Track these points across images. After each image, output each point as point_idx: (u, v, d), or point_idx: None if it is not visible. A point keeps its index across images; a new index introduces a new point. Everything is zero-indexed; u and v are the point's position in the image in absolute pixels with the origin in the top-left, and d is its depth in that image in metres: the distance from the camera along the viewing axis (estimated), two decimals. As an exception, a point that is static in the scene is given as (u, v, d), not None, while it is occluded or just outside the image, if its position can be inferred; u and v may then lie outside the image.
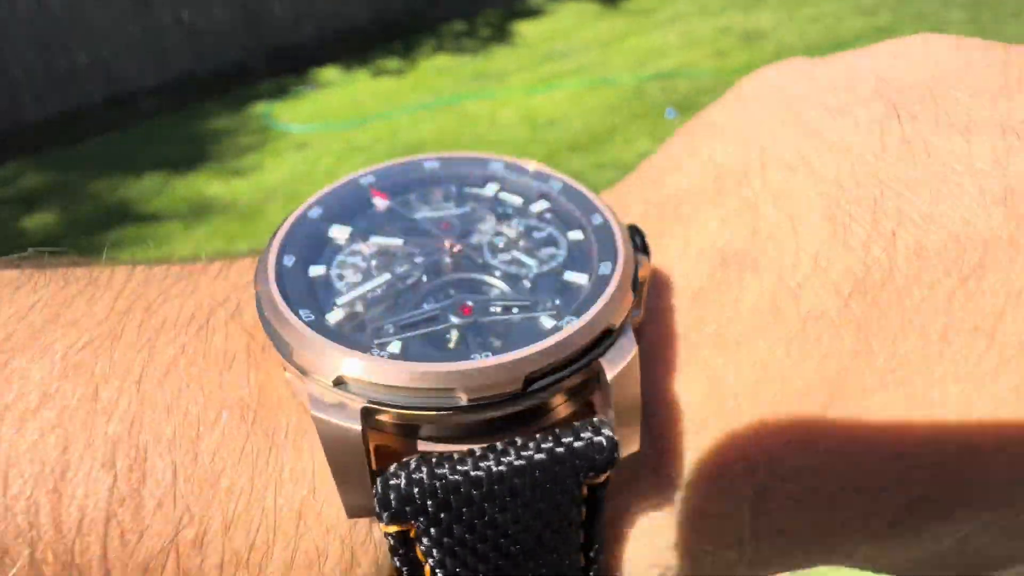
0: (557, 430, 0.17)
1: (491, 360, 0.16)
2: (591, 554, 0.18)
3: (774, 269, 0.18)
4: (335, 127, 3.59)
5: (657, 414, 0.18)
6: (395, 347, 0.17)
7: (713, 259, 0.19)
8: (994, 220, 0.16)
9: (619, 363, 0.17)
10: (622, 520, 0.19)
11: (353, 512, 0.16)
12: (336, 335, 0.16)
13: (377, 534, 0.17)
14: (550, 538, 0.17)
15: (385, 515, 0.15)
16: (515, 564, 0.16)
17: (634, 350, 0.17)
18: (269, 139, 3.55)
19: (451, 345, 0.17)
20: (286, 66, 4.83)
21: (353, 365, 0.15)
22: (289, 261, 0.19)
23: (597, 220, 0.21)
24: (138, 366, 0.17)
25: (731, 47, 4.33)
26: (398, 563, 0.16)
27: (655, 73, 3.91)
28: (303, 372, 0.16)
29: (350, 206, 0.21)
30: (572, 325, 0.17)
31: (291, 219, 0.21)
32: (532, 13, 5.62)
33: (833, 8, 5.08)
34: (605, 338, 0.17)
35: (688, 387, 0.18)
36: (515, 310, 0.18)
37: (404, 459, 0.16)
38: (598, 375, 0.17)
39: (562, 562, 0.17)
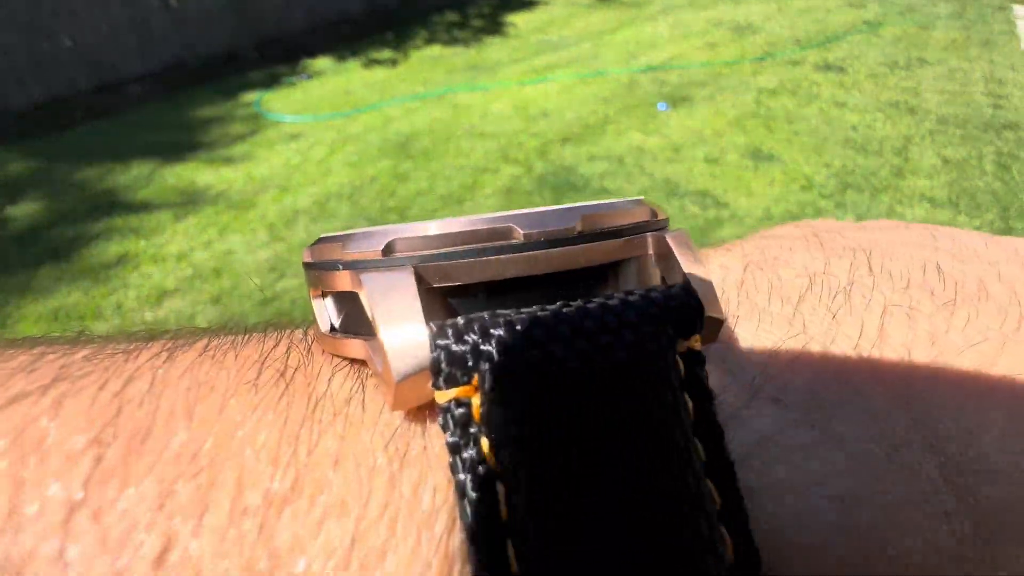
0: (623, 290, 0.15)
1: (545, 208, 0.14)
2: (723, 483, 0.13)
3: None
4: (326, 117, 3.57)
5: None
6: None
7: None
8: None
9: (678, 236, 0.15)
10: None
11: (403, 388, 0.12)
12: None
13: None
14: (657, 444, 0.12)
15: (443, 370, 0.12)
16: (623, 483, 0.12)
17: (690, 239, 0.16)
18: (260, 128, 3.52)
19: None
20: (276, 55, 4.78)
21: (398, 232, 0.14)
22: None
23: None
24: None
25: (722, 39, 4.35)
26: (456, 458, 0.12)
27: (647, 65, 3.92)
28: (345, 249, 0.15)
29: None
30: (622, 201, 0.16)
31: None
32: (525, 4, 5.60)
33: (822, 0, 5.11)
34: (656, 222, 0.16)
35: None
36: None
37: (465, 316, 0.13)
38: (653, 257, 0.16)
39: (682, 506, 0.12)
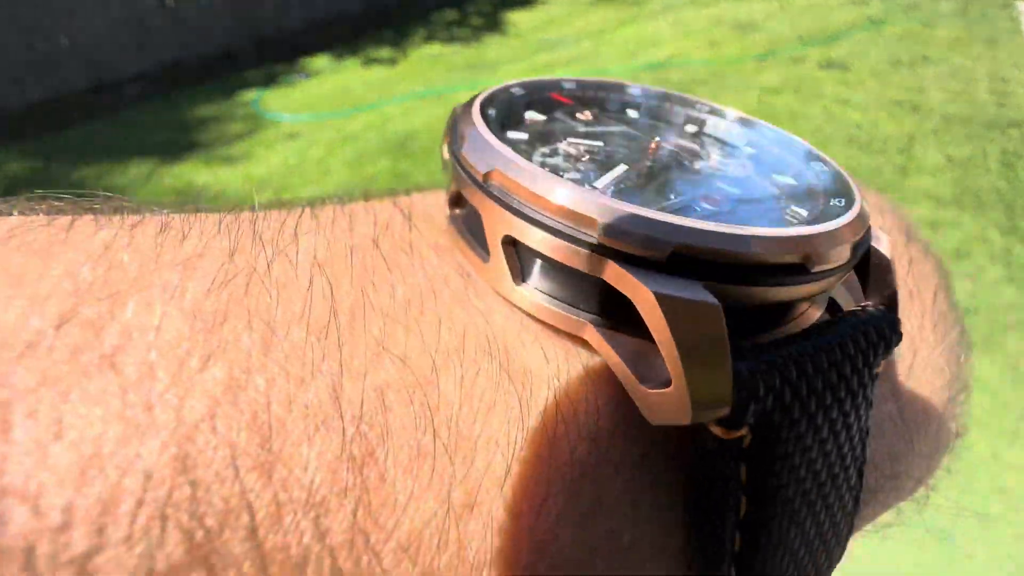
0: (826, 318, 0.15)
1: (827, 225, 0.14)
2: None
3: None
4: (325, 116, 3.55)
5: None
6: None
7: None
8: None
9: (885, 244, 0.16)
10: None
11: (699, 408, 0.11)
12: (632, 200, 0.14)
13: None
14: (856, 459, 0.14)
15: (752, 408, 0.12)
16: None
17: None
18: (259, 128, 3.50)
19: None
20: (274, 54, 4.76)
21: (688, 236, 0.13)
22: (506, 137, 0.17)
23: (819, 167, 0.18)
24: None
25: (723, 37, 4.33)
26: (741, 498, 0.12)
27: (648, 63, 3.90)
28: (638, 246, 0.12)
29: (547, 99, 0.19)
30: (853, 207, 0.15)
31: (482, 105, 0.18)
32: (524, 2, 5.58)
33: (825, -1, 5.08)
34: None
35: None
36: (761, 203, 0.16)
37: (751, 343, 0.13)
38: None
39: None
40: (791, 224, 0.15)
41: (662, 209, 0.13)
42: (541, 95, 0.20)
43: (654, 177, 0.16)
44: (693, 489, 0.13)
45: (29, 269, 0.13)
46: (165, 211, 0.16)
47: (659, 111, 0.21)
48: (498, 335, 0.14)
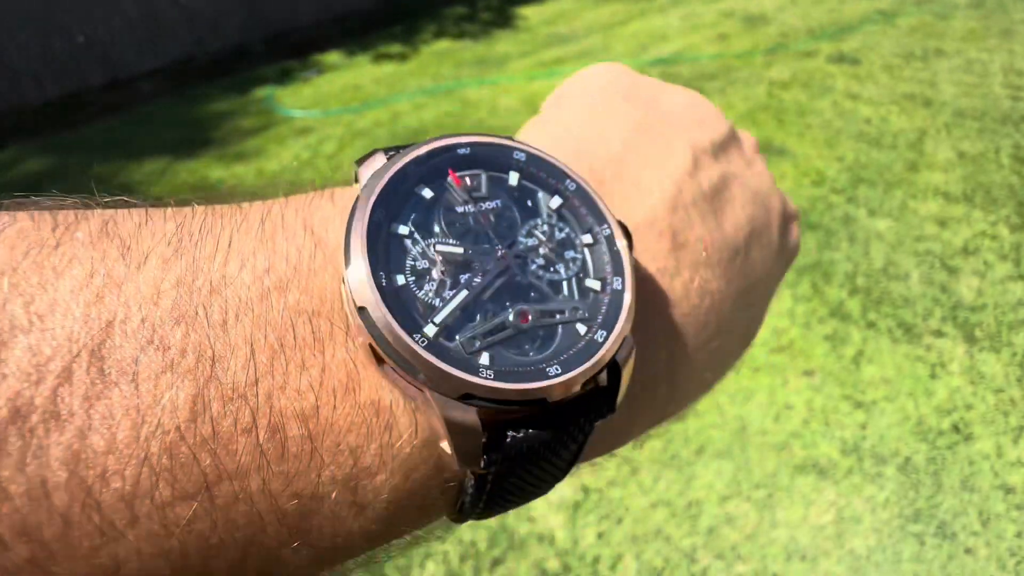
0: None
1: (565, 376, 0.21)
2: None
3: None
4: (336, 112, 3.59)
5: None
6: (485, 359, 0.21)
7: None
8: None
9: (629, 360, 0.22)
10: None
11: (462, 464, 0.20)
12: (448, 357, 0.20)
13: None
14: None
15: (494, 465, 0.21)
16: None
17: (633, 352, 0.23)
18: (271, 124, 3.54)
19: (524, 355, 0.22)
20: (286, 50, 4.79)
21: (473, 388, 0.20)
22: (381, 277, 0.20)
23: (605, 231, 0.24)
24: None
25: (733, 31, 4.30)
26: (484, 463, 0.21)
27: (657, 58, 3.89)
28: (428, 386, 0.20)
29: (401, 197, 0.22)
30: (607, 341, 0.22)
31: (362, 221, 0.21)
32: (534, -5, 5.56)
33: (838, -9, 5.01)
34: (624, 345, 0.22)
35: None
36: (557, 316, 0.22)
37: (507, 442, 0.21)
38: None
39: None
40: (584, 357, 0.22)
41: (473, 353, 0.20)
42: (436, 169, 0.23)
43: (486, 309, 0.22)
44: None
45: None
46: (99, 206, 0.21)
47: (531, 185, 0.24)
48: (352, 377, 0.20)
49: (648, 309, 0.25)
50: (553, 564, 1.37)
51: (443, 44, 4.66)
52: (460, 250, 0.22)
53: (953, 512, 1.40)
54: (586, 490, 1.50)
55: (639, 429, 0.27)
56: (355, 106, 3.63)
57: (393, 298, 0.20)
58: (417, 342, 0.19)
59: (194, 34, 4.91)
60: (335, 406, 0.19)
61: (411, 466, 0.20)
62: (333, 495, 0.19)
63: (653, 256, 0.25)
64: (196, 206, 0.21)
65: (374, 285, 0.20)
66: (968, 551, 1.34)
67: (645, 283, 0.25)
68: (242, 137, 3.42)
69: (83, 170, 3.16)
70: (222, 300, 0.19)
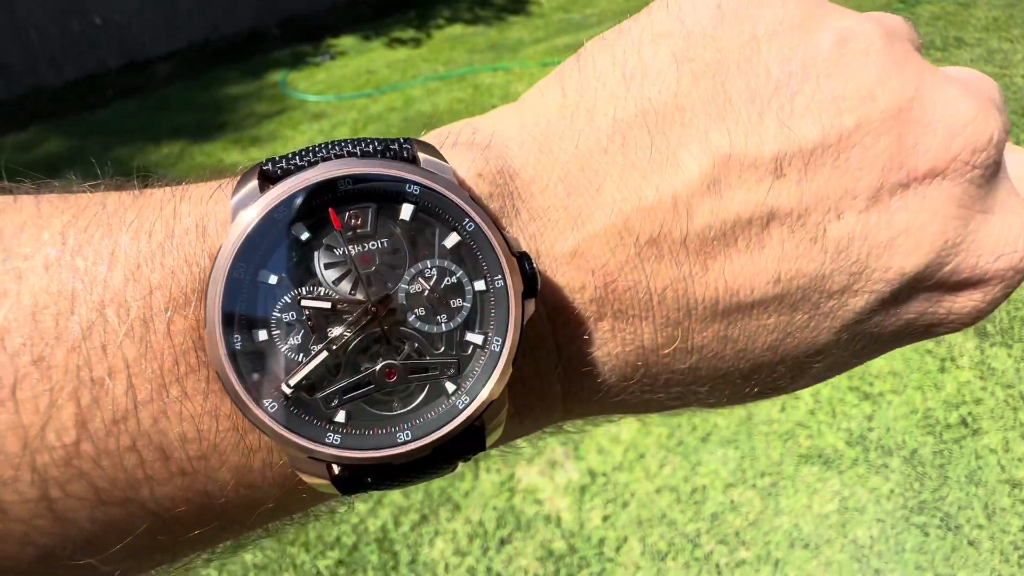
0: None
1: (413, 444, 0.21)
2: None
3: None
4: (349, 97, 3.59)
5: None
6: (341, 416, 0.21)
7: None
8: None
9: (498, 422, 0.22)
10: None
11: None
12: (296, 421, 0.20)
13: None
14: None
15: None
16: None
17: (505, 409, 0.22)
18: (285, 108, 3.56)
19: (385, 410, 0.21)
20: (300, 34, 4.79)
21: (314, 451, 0.20)
22: (236, 341, 0.20)
23: (499, 283, 0.21)
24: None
25: (752, 19, 4.23)
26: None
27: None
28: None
29: (272, 241, 0.21)
30: (468, 407, 0.21)
31: (223, 271, 0.20)
32: (549, -20, 5.50)
33: (860, -21, 4.90)
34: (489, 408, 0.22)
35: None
36: (427, 371, 0.22)
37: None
38: None
39: None
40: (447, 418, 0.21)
41: (331, 409, 0.21)
42: (315, 208, 0.21)
43: (354, 363, 0.21)
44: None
45: None
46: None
47: (428, 219, 0.22)
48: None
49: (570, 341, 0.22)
50: (559, 545, 1.40)
51: (456, 29, 4.64)
52: (327, 304, 0.21)
53: (958, 505, 1.41)
54: (592, 474, 1.53)
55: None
56: (368, 91, 3.63)
57: (248, 359, 0.20)
58: (265, 408, 0.20)
59: (209, 18, 4.92)
60: (219, 429, 0.19)
61: (291, 482, 0.21)
62: (222, 500, 0.20)
63: (604, 277, 0.21)
64: (92, 192, 0.21)
65: (226, 352, 0.19)
66: (972, 543, 1.35)
67: (569, 321, 0.22)
68: (257, 121, 3.44)
69: (103, 152, 3.20)
70: (103, 321, 0.18)
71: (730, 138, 0.21)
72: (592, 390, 0.23)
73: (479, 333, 0.22)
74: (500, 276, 0.21)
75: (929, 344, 1.79)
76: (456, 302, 0.22)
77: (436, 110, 3.32)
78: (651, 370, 0.22)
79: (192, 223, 0.20)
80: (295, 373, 0.20)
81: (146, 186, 0.22)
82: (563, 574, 1.35)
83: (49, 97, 4.16)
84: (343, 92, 3.66)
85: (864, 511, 1.41)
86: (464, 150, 0.23)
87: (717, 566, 1.34)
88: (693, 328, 0.21)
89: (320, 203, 0.21)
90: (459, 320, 0.22)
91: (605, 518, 1.44)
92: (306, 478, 0.20)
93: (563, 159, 0.22)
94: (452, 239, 0.22)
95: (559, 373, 0.23)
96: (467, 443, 0.22)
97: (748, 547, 1.37)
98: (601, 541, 1.40)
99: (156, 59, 4.67)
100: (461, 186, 0.22)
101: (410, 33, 4.63)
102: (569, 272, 0.21)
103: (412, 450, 0.21)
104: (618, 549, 1.38)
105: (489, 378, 0.21)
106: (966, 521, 1.38)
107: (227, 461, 0.20)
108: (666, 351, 0.22)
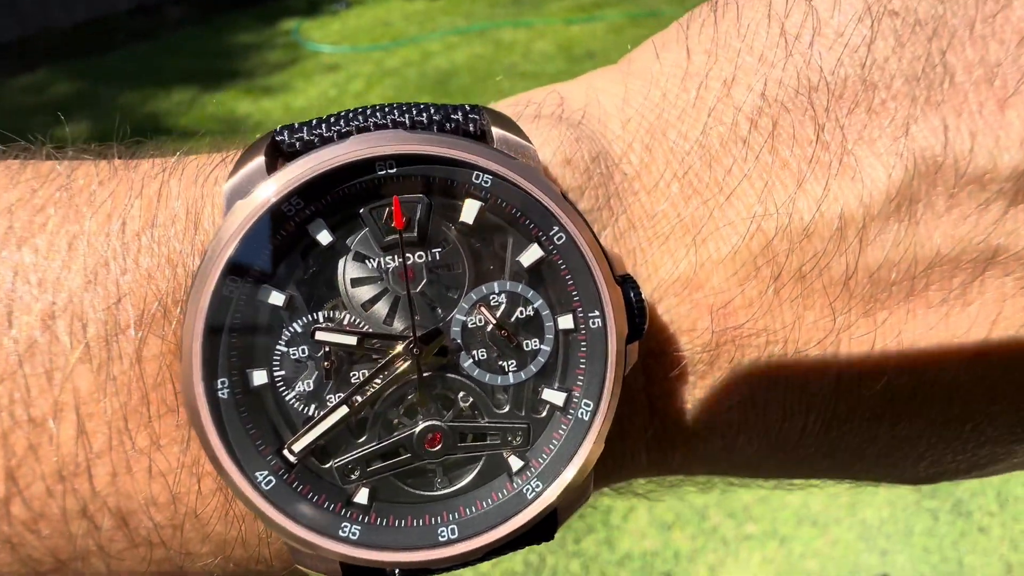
0: None
1: (459, 548, 0.15)
2: None
3: None
4: (365, 49, 3.49)
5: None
6: (363, 496, 0.15)
7: None
8: None
9: (572, 514, 0.16)
10: None
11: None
12: (298, 506, 0.14)
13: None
14: None
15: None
16: None
17: (587, 498, 0.17)
18: (298, 58, 3.46)
19: (425, 489, 0.15)
20: (315, -20, 4.62)
21: (322, 549, 0.15)
22: (221, 386, 0.14)
23: (595, 321, 0.15)
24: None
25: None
26: None
27: (703, 3, 3.68)
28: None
29: (282, 243, 0.15)
30: (539, 497, 0.15)
31: (209, 285, 0.14)
32: (575, -68, 5.24)
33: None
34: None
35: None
36: (485, 439, 0.15)
37: None
38: None
39: None
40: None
41: (350, 484, 0.15)
42: (344, 199, 0.15)
43: (385, 421, 0.15)
44: None
45: None
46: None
47: (499, 222, 0.16)
48: None
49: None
50: (566, 511, 1.41)
51: (477, -19, 4.46)
52: (352, 340, 0.15)
53: (971, 492, 1.40)
54: (602, 444, 1.53)
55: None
56: (384, 43, 3.52)
57: (237, 410, 0.14)
58: (257, 483, 0.14)
59: (222, -41, 4.75)
60: (200, 491, 0.14)
61: (293, 563, 0.17)
62: (199, 564, 0.16)
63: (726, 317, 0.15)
64: (60, 161, 0.15)
65: (206, 399, 0.14)
66: (982, 530, 1.34)
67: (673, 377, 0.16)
68: (269, 71, 3.35)
69: (112, 96, 3.15)
70: (50, 339, 0.13)
71: (946, 136, 0.13)
72: (685, 459, 0.17)
73: (560, 390, 0.16)
74: (597, 312, 0.15)
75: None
76: (531, 344, 0.16)
77: (454, 66, 3.21)
78: (764, 445, 0.17)
79: (181, 208, 0.15)
80: (303, 434, 0.14)
81: (134, 155, 0.16)
82: (569, 540, 1.36)
83: (59, 38, 4.07)
84: (358, 44, 3.55)
85: (875, 493, 1.40)
86: (548, 126, 0.16)
87: (724, 539, 1.34)
88: (838, 411, 0.15)
89: (349, 193, 0.15)
90: (533, 370, 0.16)
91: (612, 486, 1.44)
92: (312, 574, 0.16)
93: (682, 148, 0.16)
94: (532, 253, 0.15)
95: (649, 439, 0.17)
96: (531, 537, 0.16)
97: (756, 522, 1.37)
98: (609, 509, 1.40)
99: (167, 1, 4.54)
100: (547, 177, 0.15)
101: (429, -17, 4.45)
102: (678, 306, 0.15)
103: (457, 555, 0.15)
104: (625, 517, 1.39)
105: (573, 457, 0.15)
106: (977, 508, 1.37)
107: (210, 533, 0.14)
108: (791, 431, 0.16)
